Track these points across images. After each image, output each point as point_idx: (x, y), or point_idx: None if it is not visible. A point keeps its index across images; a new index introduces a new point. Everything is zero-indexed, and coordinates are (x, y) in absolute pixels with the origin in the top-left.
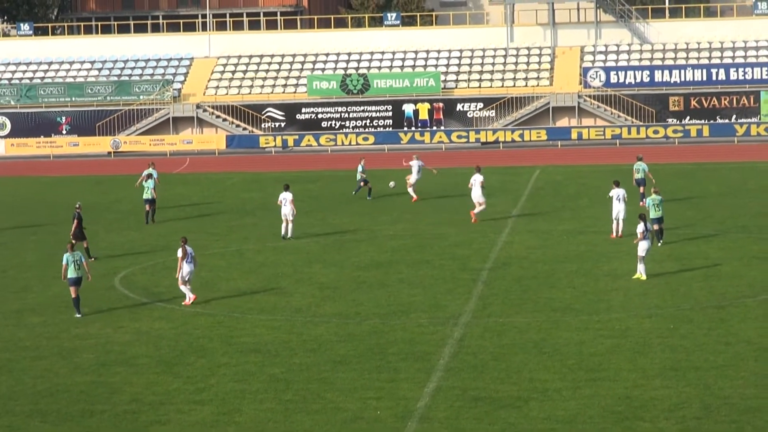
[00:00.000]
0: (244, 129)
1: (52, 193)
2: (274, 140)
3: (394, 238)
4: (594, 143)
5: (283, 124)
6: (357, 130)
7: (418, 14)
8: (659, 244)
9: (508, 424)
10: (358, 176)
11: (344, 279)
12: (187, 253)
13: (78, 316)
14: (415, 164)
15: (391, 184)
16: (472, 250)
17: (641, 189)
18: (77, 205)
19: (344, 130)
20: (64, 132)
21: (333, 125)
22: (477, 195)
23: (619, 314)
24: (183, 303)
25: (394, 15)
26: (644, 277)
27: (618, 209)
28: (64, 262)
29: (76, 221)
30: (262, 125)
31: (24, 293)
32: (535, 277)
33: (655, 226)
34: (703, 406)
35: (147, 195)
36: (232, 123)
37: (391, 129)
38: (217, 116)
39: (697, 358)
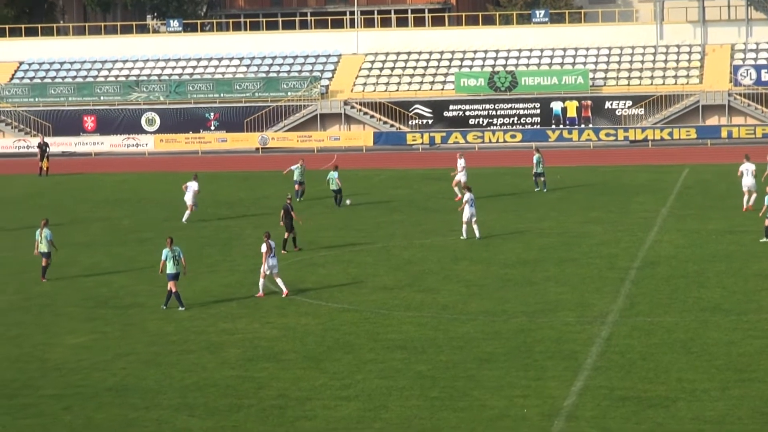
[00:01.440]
0: (392, 126)
1: (200, 189)
2: (422, 137)
3: (541, 236)
4: (744, 142)
5: (430, 121)
6: (504, 128)
7: (566, 11)
8: None
9: (656, 424)
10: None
11: (491, 276)
12: (271, 248)
13: (181, 309)
14: (460, 163)
15: (348, 201)
16: (619, 248)
17: None
18: (288, 197)
19: (492, 128)
20: (212, 128)
21: (480, 122)
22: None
23: None
24: (256, 295)
25: (542, 12)
26: None
27: None
28: (163, 257)
29: (283, 212)
30: (410, 122)
31: None
32: (683, 276)
33: None
34: None
35: (333, 186)
36: (380, 120)
37: (539, 126)
38: (365, 113)
39: None
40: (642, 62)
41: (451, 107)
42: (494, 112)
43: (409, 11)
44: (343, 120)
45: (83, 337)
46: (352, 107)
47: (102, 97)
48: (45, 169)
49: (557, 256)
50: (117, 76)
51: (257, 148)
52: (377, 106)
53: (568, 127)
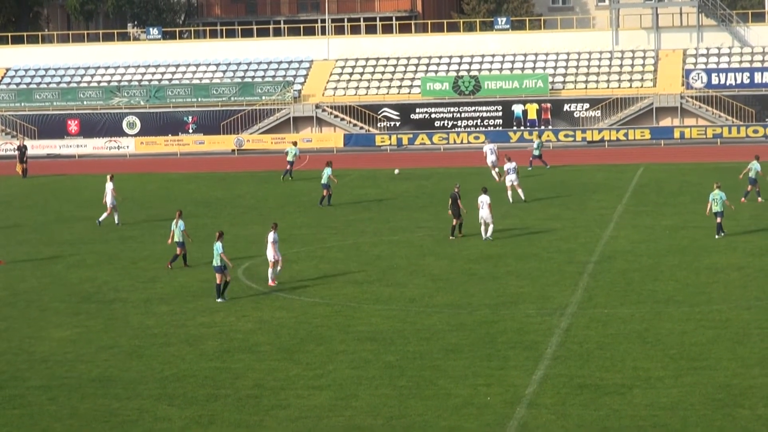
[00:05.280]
0: (361, 128)
1: (178, 189)
2: (390, 139)
3: (504, 232)
4: (696, 142)
5: (398, 124)
6: (468, 130)
7: (527, 18)
8: None
9: (612, 410)
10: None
11: (456, 271)
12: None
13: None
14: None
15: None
16: (578, 243)
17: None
18: (456, 186)
19: (456, 130)
20: (190, 131)
21: (445, 125)
22: None
23: (720, 306)
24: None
25: (504, 19)
26: None
27: None
28: (219, 251)
29: (451, 200)
30: (378, 124)
31: (152, 283)
32: (638, 270)
33: None
34: None
35: (324, 181)
36: (350, 122)
37: (501, 128)
38: (336, 116)
39: None
40: (599, 67)
41: (417, 110)
42: (458, 115)
43: (378, 19)
44: (315, 122)
45: (68, 331)
46: (324, 110)
47: (85, 102)
48: (23, 171)
49: (519, 252)
50: (99, 82)
51: (233, 150)
52: (347, 109)
53: (528, 128)
